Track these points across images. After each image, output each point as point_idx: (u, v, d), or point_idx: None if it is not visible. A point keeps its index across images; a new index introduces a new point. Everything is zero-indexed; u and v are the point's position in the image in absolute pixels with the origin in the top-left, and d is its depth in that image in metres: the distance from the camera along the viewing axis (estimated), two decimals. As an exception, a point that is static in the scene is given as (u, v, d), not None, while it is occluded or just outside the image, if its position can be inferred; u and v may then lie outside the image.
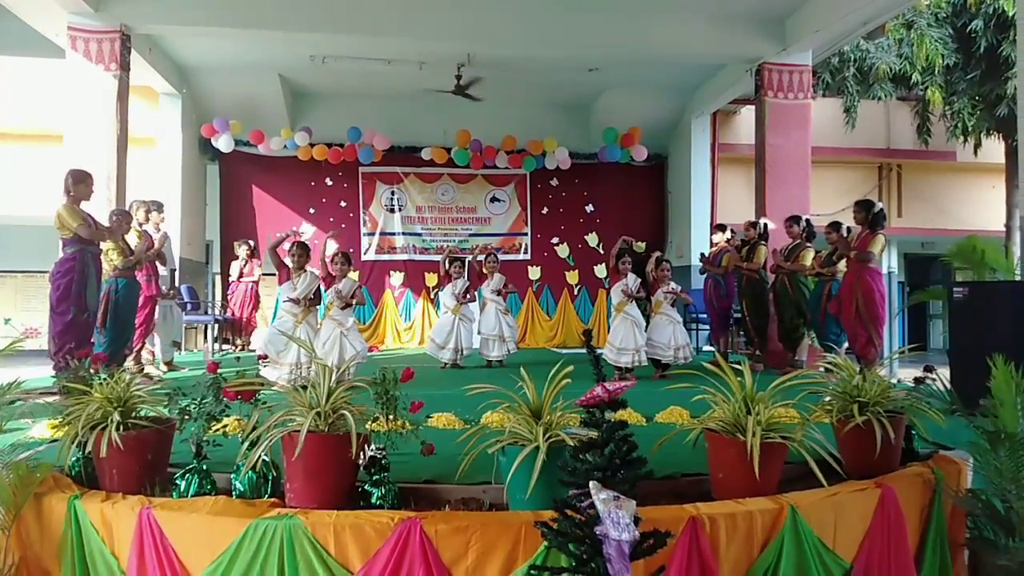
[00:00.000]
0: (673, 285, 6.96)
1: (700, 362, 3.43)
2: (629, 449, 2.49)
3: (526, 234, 11.49)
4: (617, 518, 2.24)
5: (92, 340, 5.66)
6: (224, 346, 9.65)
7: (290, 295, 5.94)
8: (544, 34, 8.44)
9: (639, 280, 6.82)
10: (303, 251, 6.15)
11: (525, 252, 11.47)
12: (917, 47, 10.60)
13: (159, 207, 7.35)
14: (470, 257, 8.27)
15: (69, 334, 5.32)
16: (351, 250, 9.68)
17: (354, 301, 6.17)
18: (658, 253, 7.24)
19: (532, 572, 2.53)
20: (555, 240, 11.48)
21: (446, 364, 7.55)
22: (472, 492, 3.13)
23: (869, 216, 6.29)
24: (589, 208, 11.52)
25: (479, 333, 7.79)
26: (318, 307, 6.21)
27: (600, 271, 11.44)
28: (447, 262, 7.89)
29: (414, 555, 2.62)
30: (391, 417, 3.17)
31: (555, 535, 2.39)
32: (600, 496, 2.29)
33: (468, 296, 7.76)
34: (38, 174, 9.35)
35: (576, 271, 11.48)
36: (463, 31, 8.37)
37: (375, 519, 2.71)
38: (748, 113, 10.53)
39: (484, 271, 7.93)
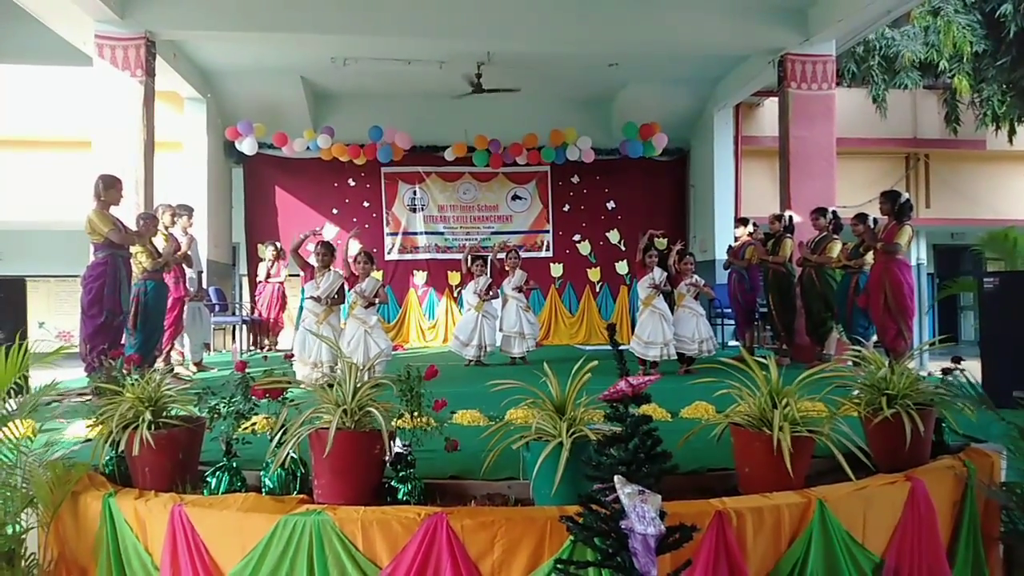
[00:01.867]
0: (696, 278, 6.94)
1: (723, 357, 3.42)
2: (654, 443, 2.49)
3: (548, 231, 11.48)
4: (642, 512, 2.24)
5: (123, 342, 5.77)
6: (252, 347, 9.78)
7: (314, 293, 6.01)
8: (563, 30, 8.42)
9: (665, 274, 6.82)
10: (328, 250, 6.22)
11: (547, 249, 11.46)
12: (944, 34, 10.39)
13: (189, 212, 7.45)
14: (491, 255, 8.28)
15: (100, 336, 5.43)
16: (375, 250, 9.74)
17: (377, 300, 6.22)
18: (681, 245, 7.19)
19: (558, 566, 2.54)
20: (577, 237, 11.46)
21: (470, 361, 7.61)
22: (497, 488, 3.15)
23: (895, 207, 6.20)
24: (610, 205, 11.48)
25: (500, 330, 7.82)
26: (340, 306, 6.27)
27: (621, 268, 11.41)
28: (469, 259, 7.92)
29: (441, 550, 2.64)
30: (416, 414, 3.19)
31: (581, 529, 2.40)
32: (625, 490, 2.29)
33: (491, 293, 7.79)
34: (68, 180, 9.54)
35: (598, 268, 11.45)
36: (482, 29, 8.37)
37: (402, 515, 2.74)
38: (771, 105, 10.40)
39: (506, 267, 7.96)
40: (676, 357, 6.71)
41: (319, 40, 8.61)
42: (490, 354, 7.74)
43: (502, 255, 8.13)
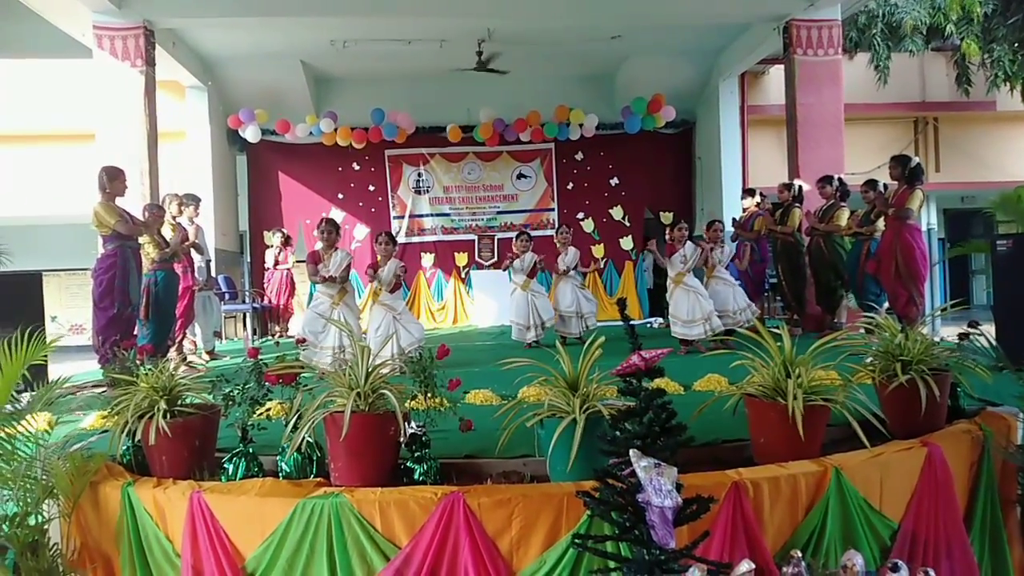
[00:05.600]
0: (728, 248, 6.71)
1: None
2: (668, 416, 2.48)
3: (553, 210, 11.41)
4: (659, 485, 2.24)
5: (135, 333, 5.79)
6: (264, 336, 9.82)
7: (324, 275, 5.74)
8: (564, 3, 8.30)
9: (697, 249, 6.47)
10: (333, 228, 5.93)
11: (553, 228, 11.39)
12: (951, -5, 10.22)
13: (196, 201, 7.43)
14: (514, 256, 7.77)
15: (112, 328, 5.44)
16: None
17: (397, 280, 5.95)
18: (716, 221, 6.93)
19: (576, 541, 2.55)
20: (580, 215, 11.38)
21: (531, 344, 7.05)
22: (513, 465, 3.16)
23: (906, 171, 6.10)
24: (614, 181, 11.38)
25: (556, 309, 7.34)
26: (353, 287, 6.10)
27: (626, 243, 11.34)
28: (513, 239, 7.54)
29: (459, 528, 2.66)
30: (429, 395, 3.19)
31: (597, 504, 2.40)
32: (641, 464, 2.29)
33: (540, 266, 7.31)
34: (74, 173, 9.56)
35: (601, 245, 11.38)
36: (482, 6, 8.28)
37: (419, 495, 2.75)
38: (777, 73, 10.26)
39: (556, 244, 7.60)
40: (718, 334, 6.21)
41: (318, 23, 8.55)
42: (546, 330, 7.20)
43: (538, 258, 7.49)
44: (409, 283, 11.05)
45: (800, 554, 2.63)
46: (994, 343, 3.63)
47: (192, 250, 7.08)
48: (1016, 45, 10.51)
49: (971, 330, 3.68)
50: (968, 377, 3.48)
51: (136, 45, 7.69)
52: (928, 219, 12.54)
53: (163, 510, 2.96)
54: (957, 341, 3.73)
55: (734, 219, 8.67)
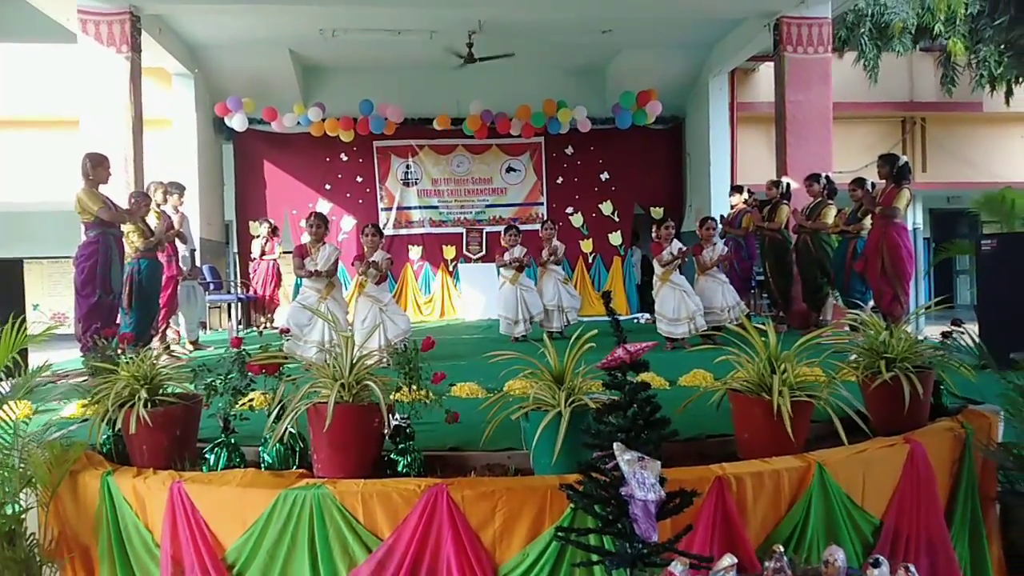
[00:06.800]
0: (720, 246, 6.68)
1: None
2: (652, 410, 2.48)
3: (542, 204, 11.38)
4: (642, 478, 2.24)
5: (118, 321, 5.73)
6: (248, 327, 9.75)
7: (311, 269, 5.71)
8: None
9: (681, 246, 6.50)
10: (321, 221, 5.86)
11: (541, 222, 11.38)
12: (939, -5, 10.25)
13: (180, 189, 7.36)
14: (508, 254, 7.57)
15: (95, 316, 5.40)
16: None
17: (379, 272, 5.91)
18: (708, 219, 6.89)
19: (559, 534, 2.54)
20: (570, 210, 11.34)
21: (518, 338, 7.05)
22: (497, 458, 3.15)
23: (894, 170, 6.14)
24: (604, 176, 11.36)
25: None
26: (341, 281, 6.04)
27: (615, 239, 11.34)
28: (503, 232, 7.55)
29: (442, 521, 2.65)
30: (414, 387, 3.17)
31: (581, 497, 2.40)
32: (624, 457, 2.29)
33: (523, 262, 7.26)
34: (57, 160, 9.43)
35: (590, 239, 11.37)
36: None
37: (402, 487, 2.74)
38: (767, 70, 10.27)
39: (541, 236, 7.64)
40: (706, 331, 6.18)
41: (306, 11, 8.46)
42: (535, 323, 7.22)
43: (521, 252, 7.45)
44: (396, 276, 11.01)
45: (782, 549, 2.64)
46: (977, 341, 3.65)
47: (176, 239, 7.01)
48: (1003, 46, 10.58)
49: (954, 328, 3.70)
50: (951, 375, 3.51)
51: (122, 31, 7.58)
52: (914, 218, 12.61)
53: (143, 500, 2.93)
54: (940, 339, 3.75)
55: (722, 216, 8.70)
